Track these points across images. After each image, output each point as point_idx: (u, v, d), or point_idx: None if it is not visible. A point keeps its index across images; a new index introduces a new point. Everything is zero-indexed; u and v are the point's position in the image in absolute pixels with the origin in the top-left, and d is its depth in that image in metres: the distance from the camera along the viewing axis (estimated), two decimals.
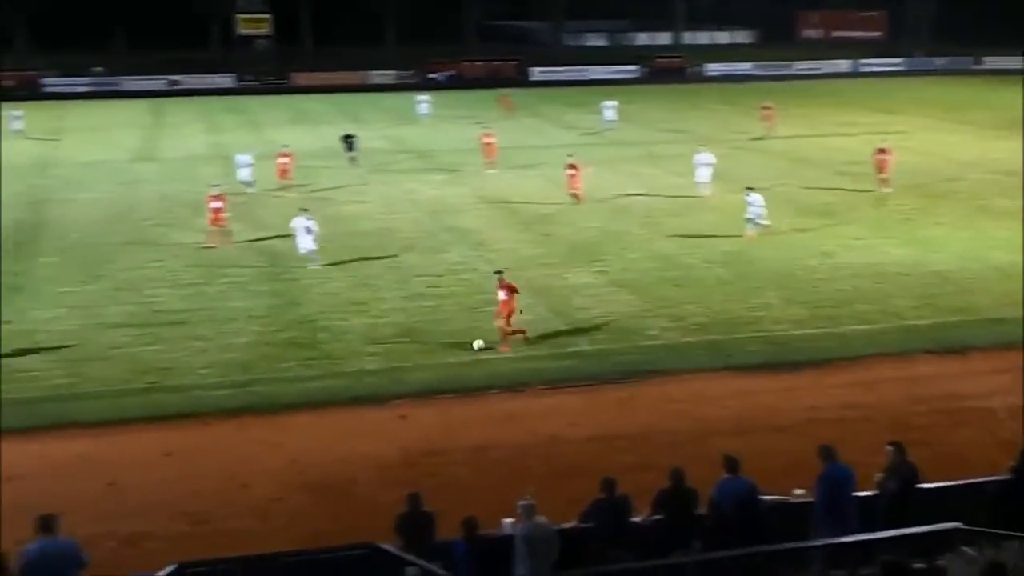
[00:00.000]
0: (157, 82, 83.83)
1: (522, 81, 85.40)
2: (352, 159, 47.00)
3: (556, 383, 22.18)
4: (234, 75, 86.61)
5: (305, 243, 30.30)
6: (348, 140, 47.98)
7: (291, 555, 13.29)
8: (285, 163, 42.28)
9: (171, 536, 16.04)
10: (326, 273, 29.93)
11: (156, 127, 63.29)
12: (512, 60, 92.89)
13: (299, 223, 30.48)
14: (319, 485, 17.81)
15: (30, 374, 22.67)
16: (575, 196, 38.59)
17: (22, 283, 29.37)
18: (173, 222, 36.54)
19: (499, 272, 24.64)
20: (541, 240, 33.92)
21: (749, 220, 33.10)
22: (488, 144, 46.15)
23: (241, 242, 33.17)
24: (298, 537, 15.69)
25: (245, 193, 39.88)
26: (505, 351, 23.75)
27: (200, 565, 12.46)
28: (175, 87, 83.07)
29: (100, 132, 60.47)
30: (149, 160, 50.69)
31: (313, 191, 41.62)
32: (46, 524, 12.13)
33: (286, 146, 43.82)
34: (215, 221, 33.07)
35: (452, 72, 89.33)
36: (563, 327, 25.48)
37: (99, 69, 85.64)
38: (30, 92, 79.84)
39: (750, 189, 33.58)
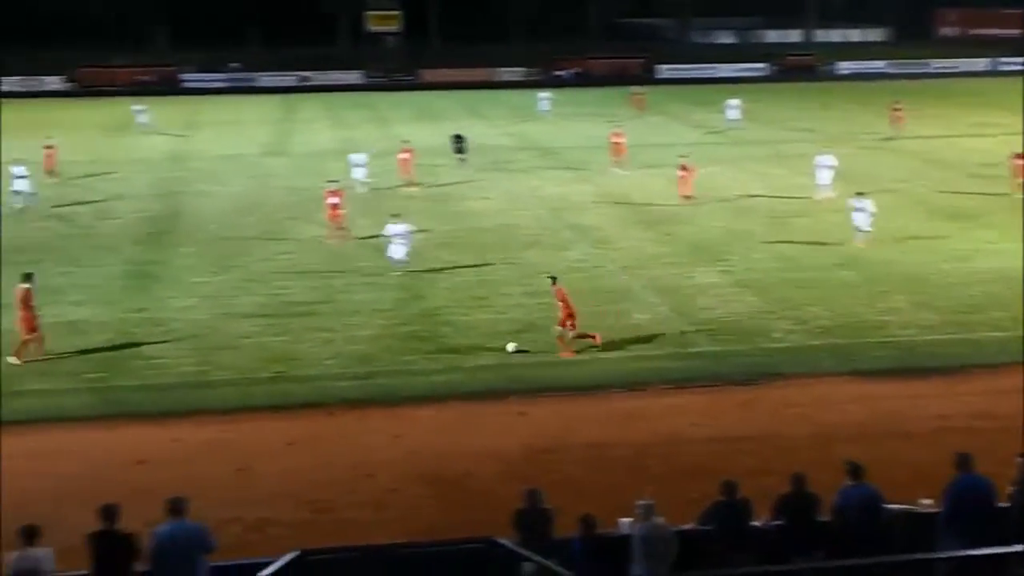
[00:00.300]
0: (289, 78, 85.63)
1: (648, 79, 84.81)
2: (461, 160, 46.75)
3: (677, 383, 22.02)
4: (363, 72, 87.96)
5: (397, 251, 29.40)
6: (458, 140, 47.72)
7: (409, 546, 13.44)
8: (406, 159, 42.75)
9: (294, 523, 16.38)
10: (446, 267, 30.21)
11: (287, 122, 64.66)
12: (639, 57, 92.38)
13: (391, 230, 29.68)
14: (437, 478, 17.99)
15: (163, 361, 23.42)
16: (686, 198, 38.07)
17: (158, 272, 30.35)
18: (302, 216, 37.26)
19: (553, 278, 24.42)
20: (664, 239, 33.68)
21: (857, 228, 31.85)
22: (617, 143, 45.92)
23: (367, 237, 33.65)
24: (415, 528, 15.89)
25: (371, 188, 40.47)
26: (567, 356, 23.50)
27: (321, 553, 12.67)
28: (306, 83, 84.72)
29: (234, 126, 62.05)
30: (280, 155, 51.83)
31: (436, 187, 42.09)
32: (175, 507, 12.50)
33: (407, 142, 44.27)
34: (333, 217, 33.54)
35: (578, 69, 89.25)
36: (685, 327, 25.28)
37: (235, 65, 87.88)
38: (169, 87, 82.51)
39: (860, 194, 32.60)
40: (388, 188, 41.42)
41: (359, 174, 40.74)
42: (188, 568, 12.25)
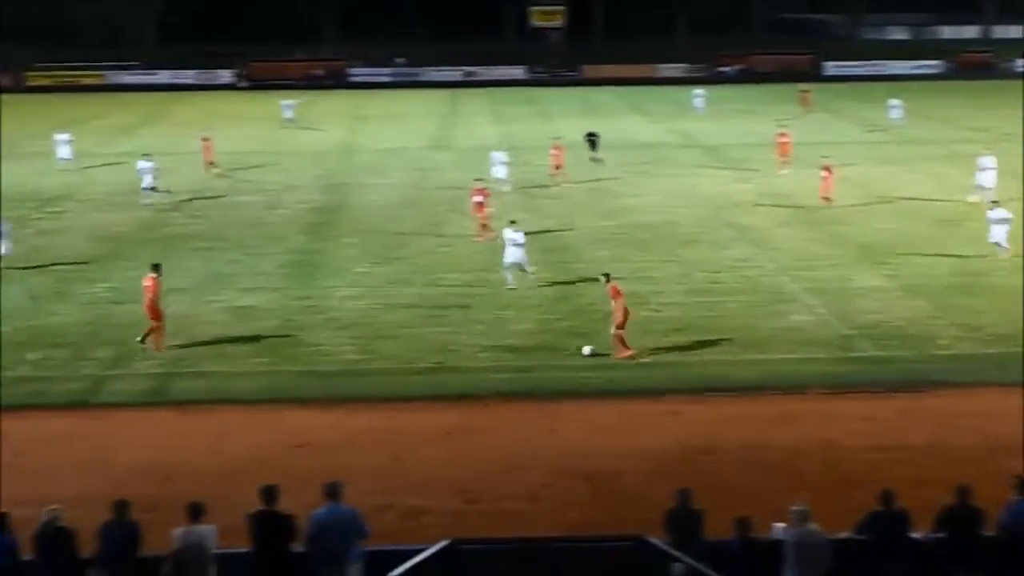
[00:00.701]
0: (453, 73, 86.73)
1: (815, 76, 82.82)
2: (596, 159, 45.65)
3: (837, 387, 21.51)
4: (526, 67, 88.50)
5: (514, 255, 27.99)
6: (591, 139, 46.66)
7: (559, 540, 13.50)
8: (557, 155, 42.74)
9: (446, 512, 16.63)
10: (602, 264, 30.15)
11: (451, 116, 65.53)
12: (806, 54, 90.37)
13: (508, 235, 28.16)
14: (589, 473, 18.01)
15: (326, 348, 24.06)
16: (826, 200, 36.92)
17: (322, 262, 31.20)
18: (461, 210, 37.69)
19: (607, 275, 24.05)
20: (828, 240, 32.94)
21: (997, 244, 30.12)
22: (783, 143, 44.98)
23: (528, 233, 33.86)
24: (565, 523, 15.94)
25: (521, 185, 40.67)
26: (623, 356, 23.14)
27: (471, 543, 12.83)
28: (470, 78, 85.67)
29: (399, 120, 63.16)
30: (443, 149, 52.60)
31: (593, 182, 42.08)
32: (332, 491, 12.84)
33: (558, 138, 44.24)
34: (479, 215, 33.45)
35: (743, 66, 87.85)
36: (846, 330, 24.69)
37: (401, 60, 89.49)
38: (337, 81, 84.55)
39: (995, 203, 31.06)
40: (538, 186, 41.58)
41: (501, 172, 40.46)
42: (343, 552, 12.59)
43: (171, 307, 26.53)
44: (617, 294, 23.28)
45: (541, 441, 19.33)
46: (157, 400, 21.38)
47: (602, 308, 26.40)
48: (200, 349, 23.95)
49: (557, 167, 42.39)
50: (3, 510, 13.16)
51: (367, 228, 35.24)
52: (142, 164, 39.27)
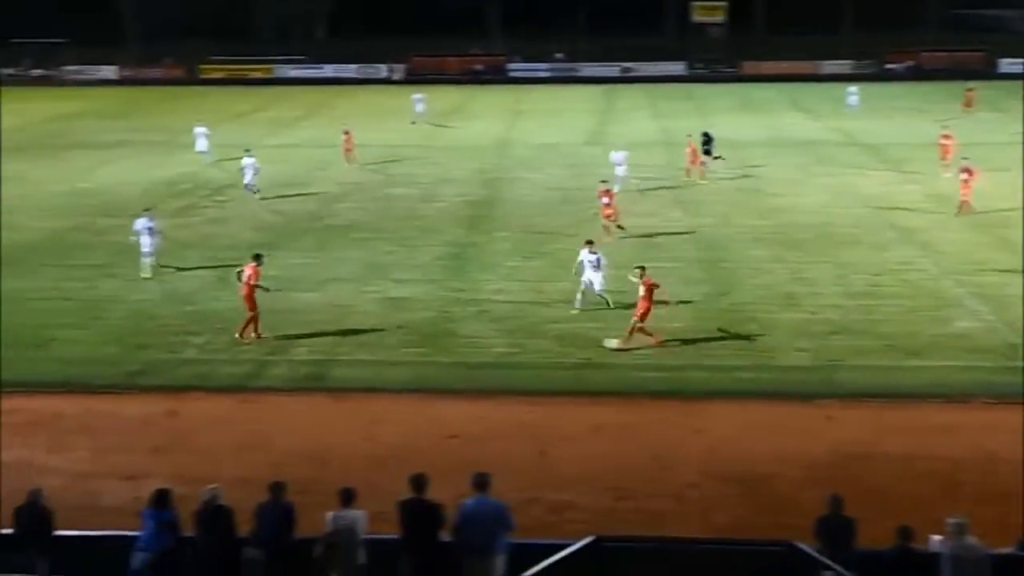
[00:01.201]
0: (611, 69, 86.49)
1: (988, 73, 79.75)
2: (713, 159, 43.68)
3: (1001, 398, 20.69)
4: (685, 63, 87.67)
5: (589, 277, 26.22)
6: (706, 139, 44.18)
7: (705, 542, 13.38)
8: (690, 152, 42.15)
9: (592, 508, 16.63)
10: (757, 264, 29.73)
11: (607, 112, 65.36)
12: (979, 51, 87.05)
13: (584, 256, 26.41)
14: (737, 476, 17.76)
15: (477, 340, 24.32)
16: (964, 204, 35.25)
17: (476, 255, 31.51)
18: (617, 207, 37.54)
19: (641, 267, 23.95)
20: (997, 244, 31.70)
21: None
22: (944, 145, 43.39)
23: (676, 232, 33.59)
24: (713, 525, 15.78)
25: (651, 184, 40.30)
26: (653, 342, 23.24)
27: (617, 540, 12.81)
28: (627, 74, 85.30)
29: (555, 115, 63.32)
30: (598, 144, 52.43)
31: (747, 179, 41.45)
32: (480, 482, 12.97)
33: (690, 136, 43.61)
34: (605, 215, 32.97)
35: (911, 62, 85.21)
36: (1015, 338, 23.71)
37: (560, 56, 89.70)
38: (496, 76, 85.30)
39: None
40: (686, 186, 41.17)
41: (620, 172, 39.24)
42: (489, 543, 12.70)
43: (329, 295, 27.32)
44: (649, 290, 23.40)
45: (690, 441, 19.15)
46: (313, 386, 21.95)
47: (756, 308, 26.06)
48: (356, 338, 24.49)
49: (692, 164, 41.85)
50: (167, 487, 13.69)
51: (521, 223, 35.44)
52: (245, 161, 39.53)
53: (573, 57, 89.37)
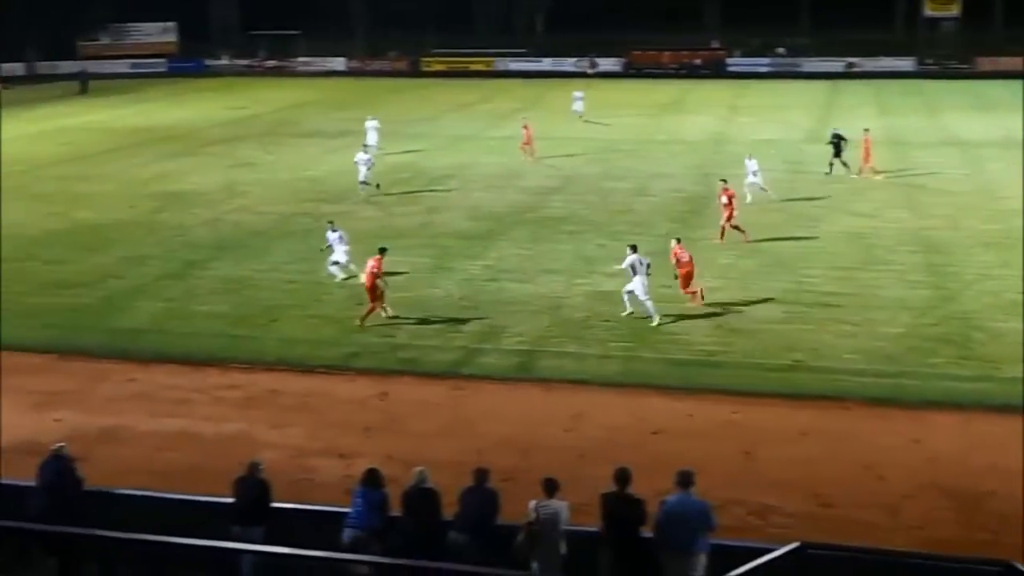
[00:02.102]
0: (834, 64, 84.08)
1: None
2: (839, 164, 41.25)
3: None
4: (914, 58, 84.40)
5: (633, 283, 24.94)
6: (836, 141, 41.59)
7: (917, 556, 12.88)
8: (867, 146, 40.63)
9: (797, 514, 16.26)
10: (984, 269, 28.37)
11: (828, 107, 63.51)
12: None
13: (633, 260, 25.06)
14: (956, 490, 17.01)
15: (685, 337, 24.07)
16: None
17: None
18: (833, 205, 36.55)
19: (678, 239, 25.48)
20: None
21: None
22: None
23: (903, 229, 32.42)
24: (924, 539, 15.17)
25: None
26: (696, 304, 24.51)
27: (822, 548, 12.49)
28: (852, 70, 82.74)
29: (774, 111, 61.97)
30: (817, 141, 51.01)
31: (980, 180, 39.58)
32: (684, 480, 12.86)
33: (867, 130, 41.80)
34: (727, 216, 31.74)
35: None
36: None
37: (781, 51, 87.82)
38: (714, 71, 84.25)
39: None
40: (917, 185, 39.56)
41: (755, 179, 37.21)
42: (690, 541, 12.59)
43: (541, 287, 27.58)
44: (677, 257, 25.67)
45: (905, 451, 18.45)
46: (521, 376, 22.20)
47: (981, 315, 24.88)
48: (565, 329, 24.64)
49: (867, 160, 40.31)
50: (377, 467, 14.12)
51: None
52: (359, 156, 39.49)
53: (794, 52, 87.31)
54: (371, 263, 25.04)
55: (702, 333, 24.32)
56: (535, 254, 30.94)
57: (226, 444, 18.84)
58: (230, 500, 14.04)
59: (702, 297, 25.84)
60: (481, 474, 13.59)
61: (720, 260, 30.03)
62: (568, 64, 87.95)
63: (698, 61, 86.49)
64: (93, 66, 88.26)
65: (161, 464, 18.13)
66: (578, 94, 60.24)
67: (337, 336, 24.48)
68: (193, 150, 50.52)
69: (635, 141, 51.04)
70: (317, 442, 19.12)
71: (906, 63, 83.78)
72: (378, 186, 39.10)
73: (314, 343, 24.07)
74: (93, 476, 15.10)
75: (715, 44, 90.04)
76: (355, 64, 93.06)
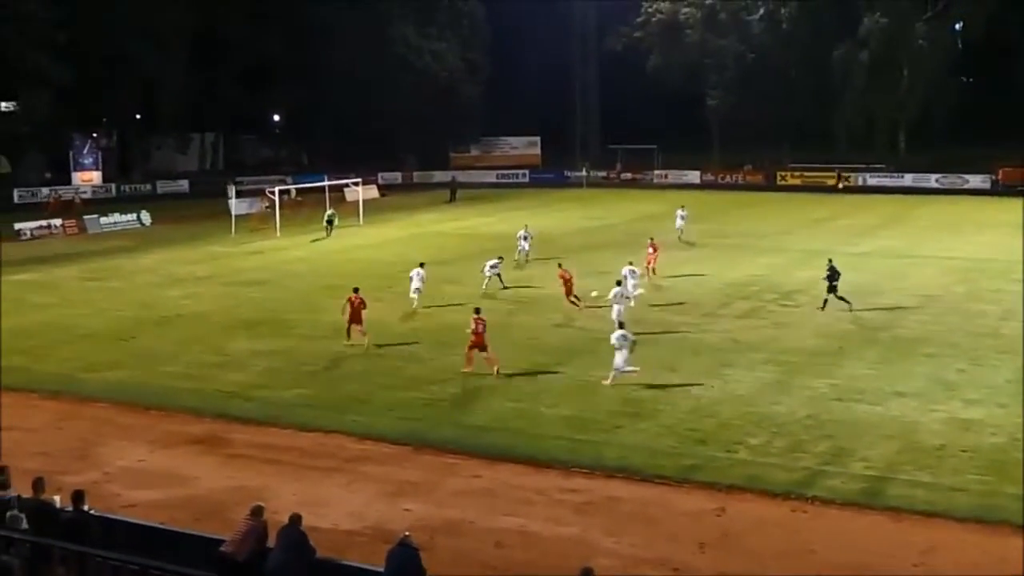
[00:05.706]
0: None
1: None
2: (835, 296, 37.29)
3: None
4: None
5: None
6: (831, 277, 37.65)
7: None
8: None
9: None
10: None
11: None
12: None
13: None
14: None
15: None
16: None
17: None
18: None
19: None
20: None
21: None
22: None
23: None
24: None
25: None
26: None
27: None
28: None
29: None
30: None
31: None
32: None
33: None
34: None
35: None
36: None
37: None
38: None
39: None
40: None
41: None
42: None
43: (892, 409, 26.32)
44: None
45: None
46: (868, 502, 21.12)
47: None
48: (918, 456, 23.31)
49: None
50: None
51: None
52: (521, 232, 43.14)
53: None
54: (475, 322, 30.01)
55: None
56: (885, 375, 29.60)
57: (562, 546, 19.07)
58: None
59: None
60: None
61: None
62: (932, 180, 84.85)
63: None
64: (462, 176, 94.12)
65: (498, 561, 18.59)
66: (681, 212, 57.75)
67: (677, 447, 24.34)
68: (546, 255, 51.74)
69: (1006, 261, 48.05)
70: (651, 552, 18.98)
71: None
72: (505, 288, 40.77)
73: (654, 452, 24.01)
74: (433, 566, 15.67)
75: None
76: (709, 177, 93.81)
